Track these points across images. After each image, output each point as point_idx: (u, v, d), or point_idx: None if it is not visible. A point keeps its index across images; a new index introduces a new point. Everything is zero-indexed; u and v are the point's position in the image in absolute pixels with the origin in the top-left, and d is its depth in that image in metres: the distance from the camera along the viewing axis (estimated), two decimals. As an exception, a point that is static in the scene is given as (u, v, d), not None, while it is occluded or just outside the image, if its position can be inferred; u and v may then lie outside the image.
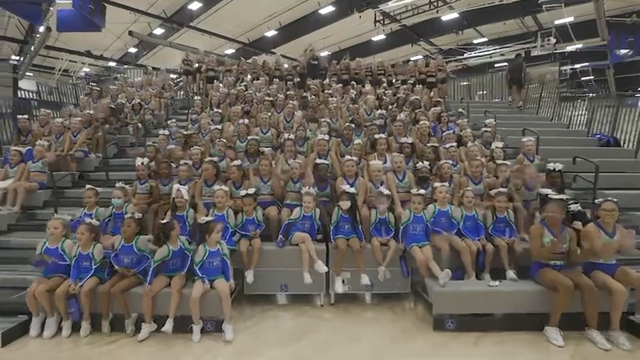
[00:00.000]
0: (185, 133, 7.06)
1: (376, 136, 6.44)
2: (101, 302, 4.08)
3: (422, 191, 5.07)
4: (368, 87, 10.58)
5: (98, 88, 10.07)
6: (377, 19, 22.64)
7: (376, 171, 5.58)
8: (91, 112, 8.11)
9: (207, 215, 4.89)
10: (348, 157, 5.77)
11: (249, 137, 6.50)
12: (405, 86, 10.92)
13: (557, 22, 22.15)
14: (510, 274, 4.71)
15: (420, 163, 5.86)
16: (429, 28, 24.77)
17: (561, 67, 22.04)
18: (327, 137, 6.30)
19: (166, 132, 7.01)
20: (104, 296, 4.06)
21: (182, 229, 4.87)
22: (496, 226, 5.16)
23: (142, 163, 5.70)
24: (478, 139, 7.20)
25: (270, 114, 8.03)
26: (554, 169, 5.69)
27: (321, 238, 5.26)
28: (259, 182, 5.68)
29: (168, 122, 7.96)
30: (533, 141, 6.51)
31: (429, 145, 6.60)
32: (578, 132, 10.16)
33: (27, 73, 22.34)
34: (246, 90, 9.86)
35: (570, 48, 24.01)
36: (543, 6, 20.18)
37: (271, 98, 8.82)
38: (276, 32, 24.49)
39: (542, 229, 4.43)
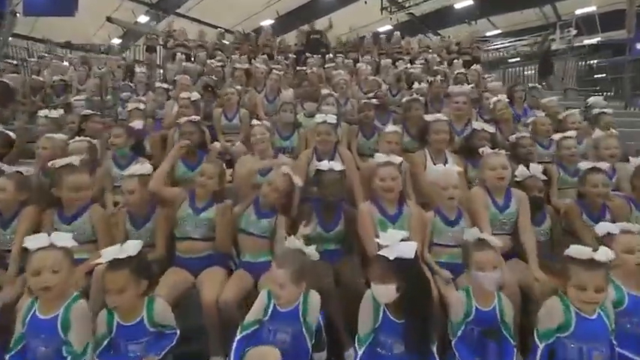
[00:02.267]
0: (83, 113, 3.80)
1: (428, 117, 3.17)
2: None
3: (607, 255, 1.64)
4: (387, 61, 7.18)
5: (14, 62, 6.83)
6: (383, 6, 19.51)
7: (450, 187, 2.32)
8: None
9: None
10: (382, 157, 2.49)
11: (183, 120, 3.22)
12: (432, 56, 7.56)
13: (578, 11, 19.07)
14: None
15: (524, 169, 2.62)
16: (438, 18, 21.55)
17: (579, 62, 19.04)
18: (332, 120, 3.05)
19: (54, 114, 3.72)
20: None
21: None
22: None
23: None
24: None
25: (243, 90, 4.79)
26: None
27: (324, 360, 2.03)
28: (188, 215, 2.45)
29: (73, 100, 4.75)
30: None
31: (520, 136, 3.32)
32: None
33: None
34: (222, 65, 6.55)
35: (587, 41, 20.88)
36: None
37: (246, 66, 5.48)
38: (273, 22, 21.15)
39: None
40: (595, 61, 24.48)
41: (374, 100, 3.84)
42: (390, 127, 3.13)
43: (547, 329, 1.69)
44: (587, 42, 20.96)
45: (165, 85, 4.93)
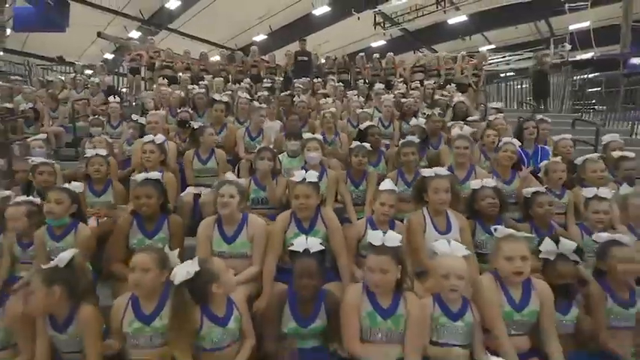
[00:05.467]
0: (33, 163, 3.26)
1: (425, 173, 2.60)
2: None
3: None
4: (379, 86, 6.59)
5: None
6: (377, 21, 19.14)
7: (453, 277, 1.85)
8: None
9: None
10: (375, 238, 1.95)
11: (139, 177, 2.68)
12: (430, 83, 7.03)
13: (572, 27, 18.82)
14: None
15: (550, 245, 2.10)
16: (432, 33, 21.21)
17: (573, 77, 18.69)
18: (313, 178, 2.49)
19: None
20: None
21: None
22: None
23: None
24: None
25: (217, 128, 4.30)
26: None
27: None
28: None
29: (30, 140, 4.19)
30: None
31: (535, 191, 2.80)
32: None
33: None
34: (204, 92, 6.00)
35: (581, 56, 20.61)
36: (567, 5, 16.72)
37: (225, 99, 4.69)
38: (266, 37, 20.78)
39: None
40: (587, 76, 24.18)
41: (367, 145, 3.36)
42: (386, 185, 2.62)
43: None
44: (579, 57, 20.74)
45: (140, 120, 4.40)
